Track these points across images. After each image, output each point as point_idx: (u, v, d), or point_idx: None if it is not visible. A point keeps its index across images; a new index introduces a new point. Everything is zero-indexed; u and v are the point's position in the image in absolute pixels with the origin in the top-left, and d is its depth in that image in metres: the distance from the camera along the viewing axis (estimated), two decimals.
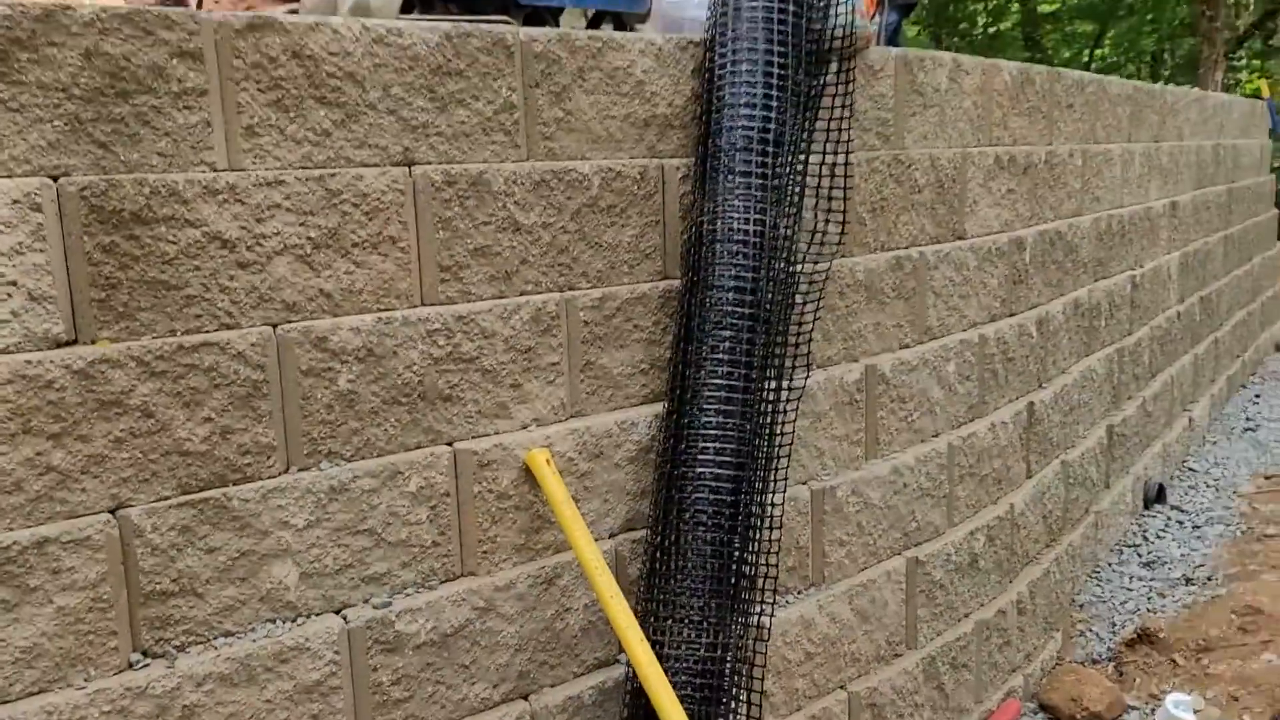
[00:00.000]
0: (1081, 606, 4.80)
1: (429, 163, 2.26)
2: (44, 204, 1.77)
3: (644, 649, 2.30)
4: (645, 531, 2.62)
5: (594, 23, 3.67)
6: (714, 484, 2.50)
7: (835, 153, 2.86)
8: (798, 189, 2.75)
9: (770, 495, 2.66)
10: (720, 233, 2.58)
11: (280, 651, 2.03)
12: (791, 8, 2.68)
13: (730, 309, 2.55)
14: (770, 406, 2.66)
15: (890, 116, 3.34)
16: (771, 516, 2.66)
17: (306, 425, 2.10)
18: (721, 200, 2.59)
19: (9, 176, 1.75)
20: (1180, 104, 6.88)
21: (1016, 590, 4.05)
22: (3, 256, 1.74)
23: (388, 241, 2.19)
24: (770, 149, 2.62)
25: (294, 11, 2.92)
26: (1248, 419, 7.66)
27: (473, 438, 2.34)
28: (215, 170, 1.96)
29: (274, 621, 2.07)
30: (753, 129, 2.60)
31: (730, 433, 2.52)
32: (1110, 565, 5.20)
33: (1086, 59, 21.73)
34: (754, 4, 2.67)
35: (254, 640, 2.02)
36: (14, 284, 1.75)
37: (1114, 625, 4.61)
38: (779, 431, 2.69)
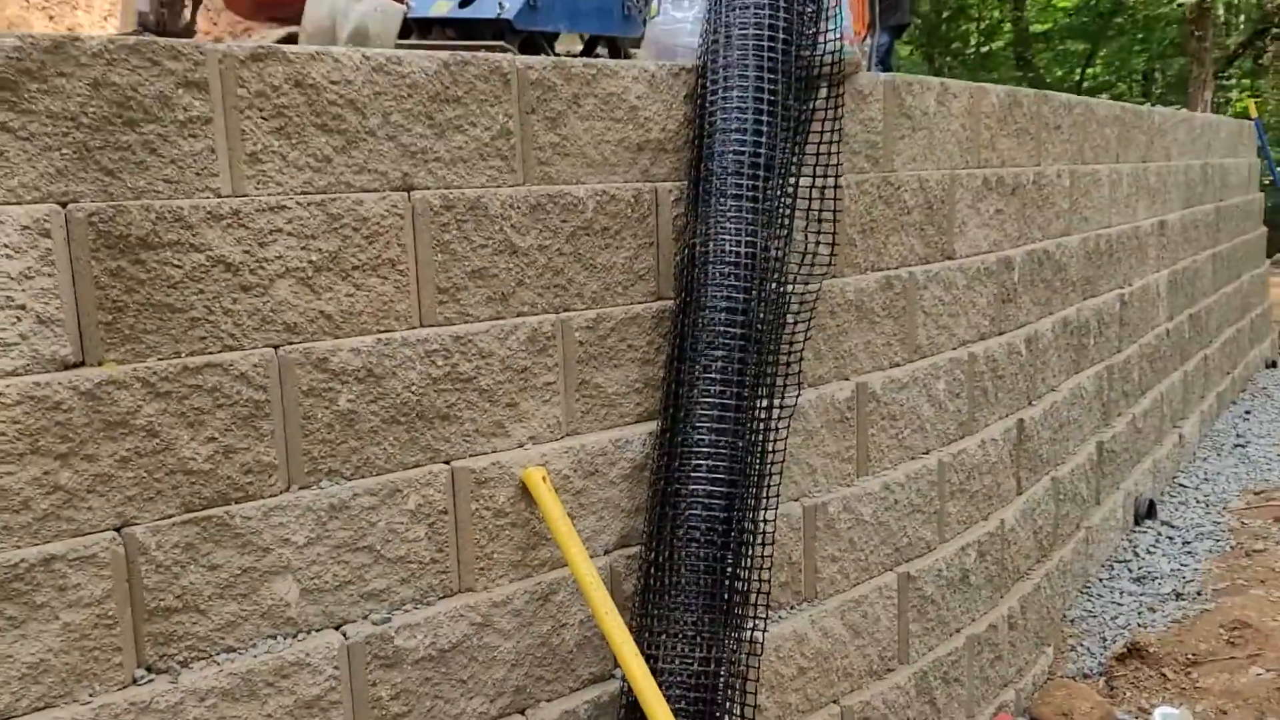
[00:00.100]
0: (1072, 621, 4.84)
1: (427, 187, 2.30)
2: (53, 229, 1.82)
3: (639, 664, 2.33)
4: (640, 548, 2.66)
5: (589, 46, 3.72)
6: (707, 501, 2.54)
7: (825, 175, 2.92)
8: (788, 211, 2.80)
9: (763, 512, 2.70)
10: (713, 254, 2.63)
11: (281, 667, 2.07)
12: (781, 36, 2.74)
13: (723, 329, 2.60)
14: (762, 424, 2.70)
15: (879, 139, 3.40)
16: (764, 533, 2.70)
17: (307, 444, 2.14)
18: (714, 223, 2.65)
19: (19, 203, 1.79)
20: (1168, 124, 6.95)
21: (1008, 605, 4.08)
22: (12, 281, 1.78)
23: (387, 264, 2.24)
24: (761, 172, 2.67)
25: (292, 36, 2.97)
26: (1238, 435, 7.71)
27: (470, 456, 2.38)
28: (219, 196, 2.01)
29: (275, 637, 2.10)
30: (744, 153, 2.66)
31: (723, 450, 2.57)
32: (1101, 580, 5.24)
33: (1078, 78, 21.89)
34: (745, 32, 2.73)
35: (255, 656, 2.05)
36: (23, 308, 1.80)
37: (1104, 640, 4.65)
38: (771, 449, 2.73)
